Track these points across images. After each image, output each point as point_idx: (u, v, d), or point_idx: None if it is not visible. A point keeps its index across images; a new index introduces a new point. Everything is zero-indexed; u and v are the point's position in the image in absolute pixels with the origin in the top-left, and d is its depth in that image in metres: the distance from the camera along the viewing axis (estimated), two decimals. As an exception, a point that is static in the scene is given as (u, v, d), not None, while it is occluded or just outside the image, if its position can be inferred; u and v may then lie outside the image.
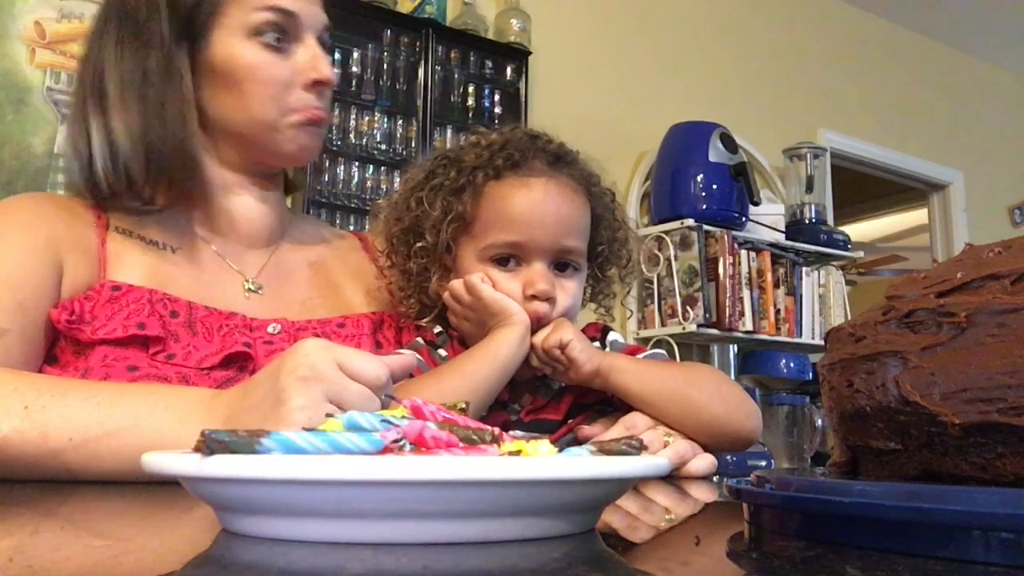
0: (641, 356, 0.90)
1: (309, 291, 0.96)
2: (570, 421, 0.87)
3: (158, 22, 0.86)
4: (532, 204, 0.86)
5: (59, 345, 0.81)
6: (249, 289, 0.91)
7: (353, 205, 2.49)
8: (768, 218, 3.04)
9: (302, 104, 0.88)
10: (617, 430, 0.80)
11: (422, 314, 0.93)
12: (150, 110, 0.85)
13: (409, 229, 0.91)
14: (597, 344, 0.92)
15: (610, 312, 1.00)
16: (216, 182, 0.92)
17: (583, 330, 0.92)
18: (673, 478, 0.77)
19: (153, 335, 0.79)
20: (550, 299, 0.86)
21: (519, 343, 0.83)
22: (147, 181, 0.86)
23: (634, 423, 0.81)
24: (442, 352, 0.90)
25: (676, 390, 0.83)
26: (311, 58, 0.88)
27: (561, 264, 0.88)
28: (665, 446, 0.79)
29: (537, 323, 0.85)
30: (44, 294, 0.80)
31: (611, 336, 0.94)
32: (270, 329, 0.87)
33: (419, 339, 0.91)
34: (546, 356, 0.84)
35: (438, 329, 0.92)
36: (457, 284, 0.87)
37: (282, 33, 0.87)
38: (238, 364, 0.82)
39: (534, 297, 0.85)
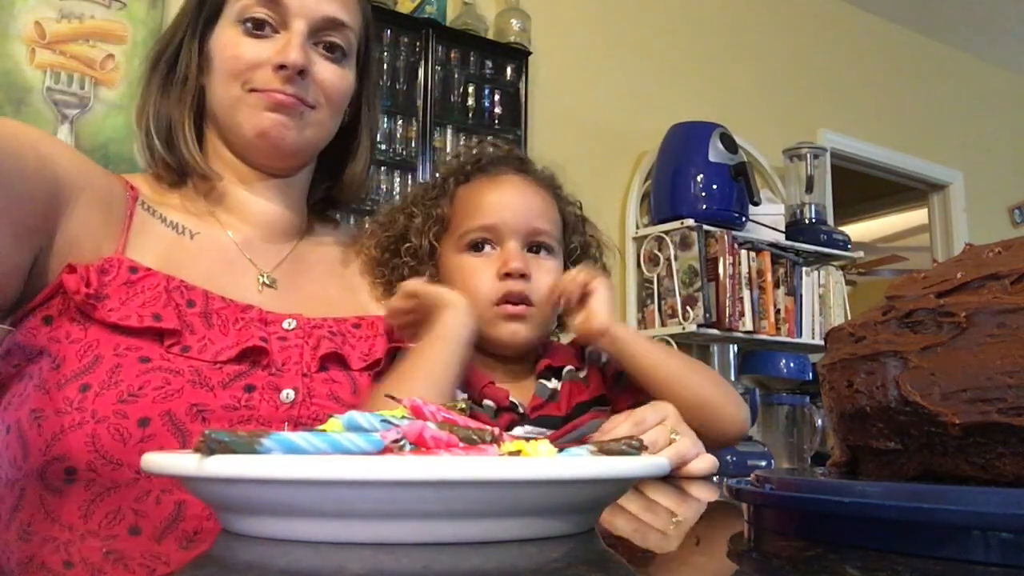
0: None
1: (325, 289, 0.95)
2: (573, 421, 0.88)
3: (183, 24, 0.92)
4: (501, 193, 0.93)
5: (54, 303, 0.78)
6: (264, 283, 0.90)
7: (352, 204, 2.49)
8: (768, 218, 3.03)
9: (264, 84, 0.86)
10: (626, 427, 0.80)
11: None
12: (159, 100, 0.91)
13: (397, 237, 0.96)
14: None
15: None
16: (231, 172, 0.92)
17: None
18: (674, 478, 0.77)
19: (169, 328, 0.77)
20: (525, 276, 0.89)
21: (463, 319, 0.84)
22: (159, 162, 0.90)
23: (643, 418, 0.81)
24: None
25: (677, 367, 0.88)
26: (285, 44, 0.86)
27: (535, 247, 0.92)
28: (670, 443, 0.79)
29: (518, 298, 0.88)
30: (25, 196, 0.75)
31: None
32: (285, 324, 0.85)
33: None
34: (568, 287, 0.88)
35: None
36: (393, 301, 0.89)
37: (271, 21, 0.87)
38: (251, 359, 0.80)
39: (508, 276, 0.88)
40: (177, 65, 0.91)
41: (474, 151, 1.00)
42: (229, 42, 0.87)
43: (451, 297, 0.85)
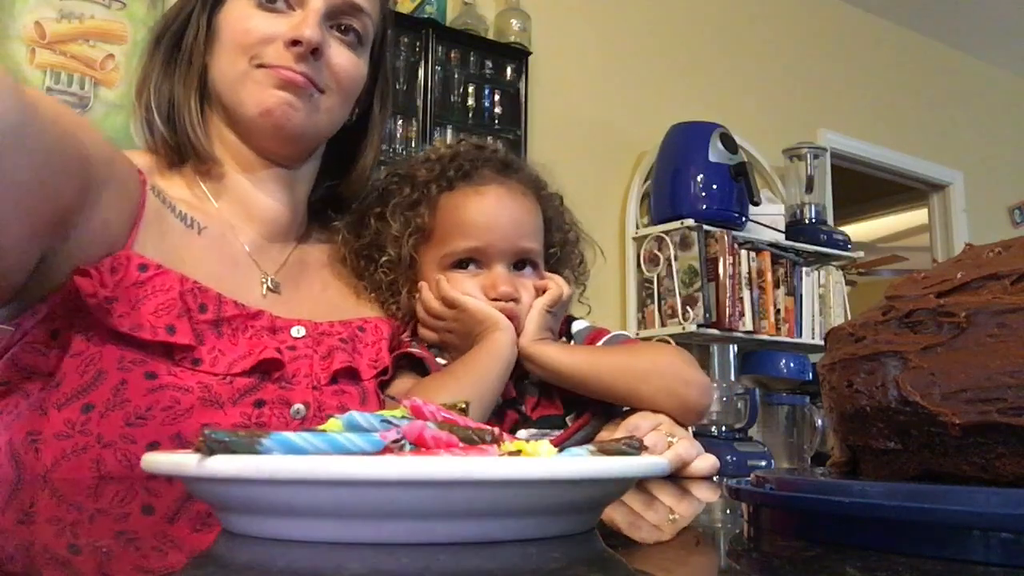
0: (604, 339, 0.94)
1: (326, 292, 0.92)
2: (570, 419, 0.88)
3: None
4: (486, 210, 0.90)
5: (56, 311, 0.73)
6: (268, 288, 0.86)
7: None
8: (768, 218, 3.04)
9: (274, 60, 0.82)
10: (619, 433, 0.81)
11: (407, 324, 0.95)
12: (161, 77, 0.88)
13: (371, 244, 0.93)
14: (563, 339, 0.95)
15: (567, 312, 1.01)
16: (233, 158, 0.88)
17: None
18: (676, 478, 0.77)
19: (183, 343, 0.73)
20: (513, 299, 0.89)
21: (512, 345, 0.86)
22: (166, 145, 0.87)
23: (636, 425, 0.81)
24: (440, 360, 0.90)
25: (610, 375, 0.86)
26: (300, 20, 0.83)
27: (520, 264, 0.92)
28: (669, 447, 0.79)
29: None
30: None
31: (575, 326, 0.97)
32: (294, 332, 0.82)
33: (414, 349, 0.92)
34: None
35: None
36: (431, 300, 0.89)
37: None
38: (262, 370, 0.77)
39: (495, 299, 0.88)
40: (183, 41, 0.87)
41: (453, 147, 0.96)
42: (240, 15, 0.84)
43: (502, 321, 0.86)
